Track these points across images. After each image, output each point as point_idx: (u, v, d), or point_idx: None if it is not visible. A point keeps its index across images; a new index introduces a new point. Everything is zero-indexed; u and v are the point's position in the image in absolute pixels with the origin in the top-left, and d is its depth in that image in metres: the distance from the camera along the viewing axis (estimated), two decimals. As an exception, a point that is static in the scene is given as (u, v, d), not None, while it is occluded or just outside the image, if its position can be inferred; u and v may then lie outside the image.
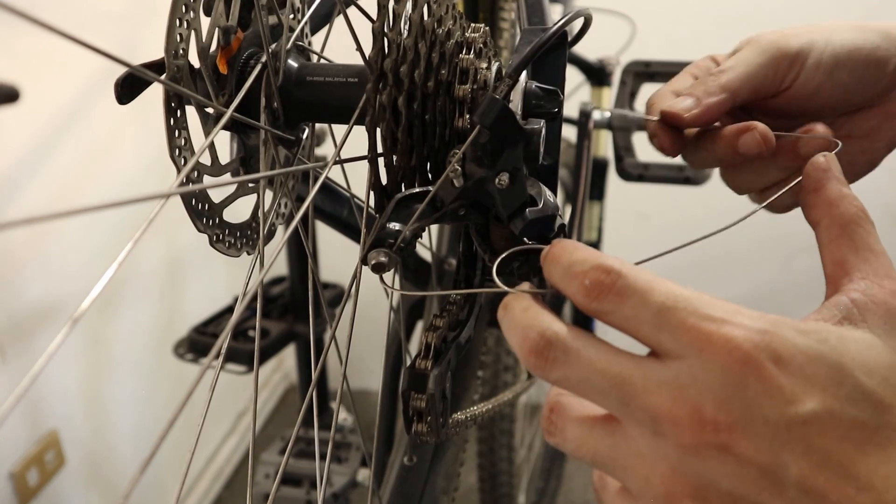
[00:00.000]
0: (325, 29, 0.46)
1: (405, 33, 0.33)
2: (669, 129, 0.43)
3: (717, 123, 0.43)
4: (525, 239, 0.34)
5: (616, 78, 1.10)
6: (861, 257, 0.29)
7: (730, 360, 0.24)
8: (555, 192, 0.36)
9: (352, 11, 0.38)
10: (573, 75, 1.09)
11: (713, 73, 0.42)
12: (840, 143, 0.39)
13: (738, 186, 0.46)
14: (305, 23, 0.42)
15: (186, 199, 0.34)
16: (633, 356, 0.27)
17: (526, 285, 0.30)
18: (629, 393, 0.26)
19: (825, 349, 0.25)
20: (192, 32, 0.34)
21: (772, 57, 0.41)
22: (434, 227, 0.74)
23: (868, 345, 0.26)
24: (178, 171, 0.33)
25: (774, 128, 0.41)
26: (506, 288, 0.30)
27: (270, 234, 0.42)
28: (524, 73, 0.36)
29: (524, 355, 0.28)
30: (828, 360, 0.25)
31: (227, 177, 0.37)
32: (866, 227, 0.30)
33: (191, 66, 0.34)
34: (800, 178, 0.33)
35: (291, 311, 1.31)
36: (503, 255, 0.34)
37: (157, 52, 0.32)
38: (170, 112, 0.33)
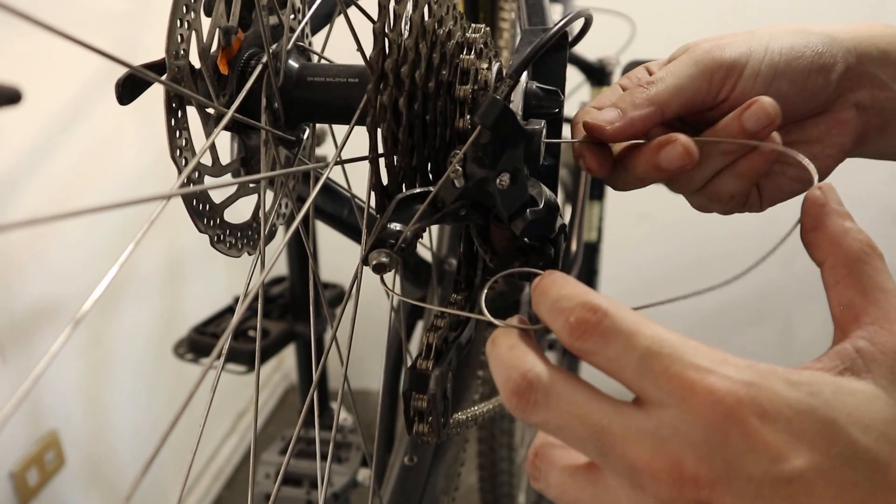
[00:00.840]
0: (326, 29, 0.46)
1: (406, 34, 0.33)
2: (595, 147, 0.39)
3: (643, 141, 0.39)
4: (525, 239, 0.34)
5: (616, 78, 1.10)
6: (870, 299, 0.27)
7: (712, 413, 0.23)
8: (555, 193, 0.36)
9: (352, 12, 0.38)
10: (573, 75, 1.09)
11: (642, 85, 0.39)
12: (778, 110, 0.36)
13: (681, 187, 0.42)
14: (306, 23, 0.42)
15: (187, 199, 0.34)
16: (615, 403, 0.26)
17: (515, 319, 0.30)
18: (608, 443, 0.25)
19: (816, 403, 0.24)
20: (193, 33, 0.34)
21: (704, 68, 0.38)
22: (434, 228, 0.74)
23: (868, 398, 0.24)
24: (179, 171, 0.33)
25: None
26: (494, 321, 0.30)
27: (271, 235, 0.42)
28: (525, 74, 0.36)
29: (506, 396, 0.27)
30: (818, 415, 0.23)
31: (228, 177, 0.37)
32: (874, 263, 0.27)
33: (192, 67, 0.34)
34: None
35: (291, 312, 1.31)
36: (491, 280, 0.34)
37: (159, 51, 0.32)
38: (171, 113, 0.33)
